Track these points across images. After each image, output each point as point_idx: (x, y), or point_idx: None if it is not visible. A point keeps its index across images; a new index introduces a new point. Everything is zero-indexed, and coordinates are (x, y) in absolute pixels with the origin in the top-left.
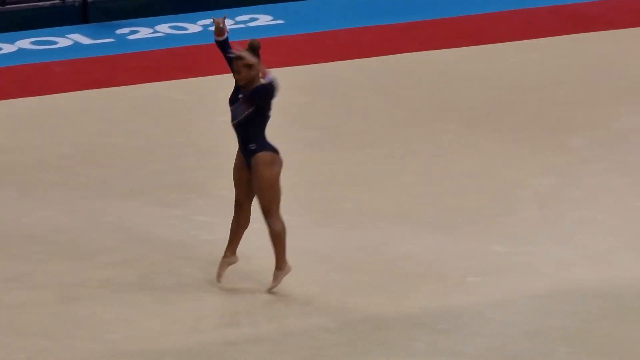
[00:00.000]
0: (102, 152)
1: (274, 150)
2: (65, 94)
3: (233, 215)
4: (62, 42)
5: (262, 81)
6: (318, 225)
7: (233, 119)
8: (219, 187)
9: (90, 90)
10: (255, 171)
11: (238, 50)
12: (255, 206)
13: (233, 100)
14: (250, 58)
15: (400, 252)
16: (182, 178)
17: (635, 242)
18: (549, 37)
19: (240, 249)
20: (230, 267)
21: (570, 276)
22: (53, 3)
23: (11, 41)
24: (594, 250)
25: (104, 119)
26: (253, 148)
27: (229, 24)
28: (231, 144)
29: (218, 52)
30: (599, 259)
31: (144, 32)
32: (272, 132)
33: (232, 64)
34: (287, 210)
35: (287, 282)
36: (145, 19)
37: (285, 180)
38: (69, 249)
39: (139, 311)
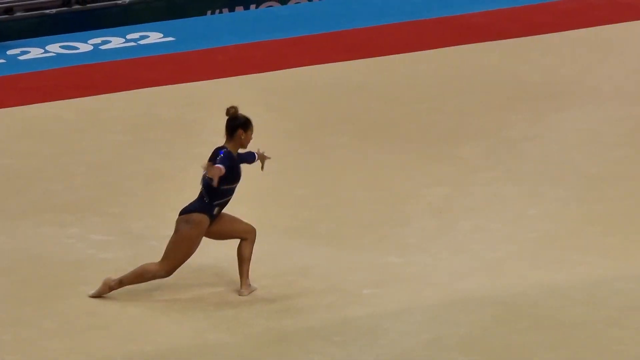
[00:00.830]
0: None
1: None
2: None
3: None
4: None
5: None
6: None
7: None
8: (113, 205)
9: None
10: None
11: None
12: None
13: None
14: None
15: (296, 265)
16: (76, 197)
17: (528, 249)
18: (438, 49)
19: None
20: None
21: (465, 285)
22: None
23: None
24: (488, 259)
25: None
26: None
27: (119, 42)
28: (123, 161)
29: (110, 71)
30: (494, 267)
31: (34, 52)
32: (166, 149)
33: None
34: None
35: (184, 297)
36: (36, 39)
37: (180, 197)
38: None
39: (38, 331)
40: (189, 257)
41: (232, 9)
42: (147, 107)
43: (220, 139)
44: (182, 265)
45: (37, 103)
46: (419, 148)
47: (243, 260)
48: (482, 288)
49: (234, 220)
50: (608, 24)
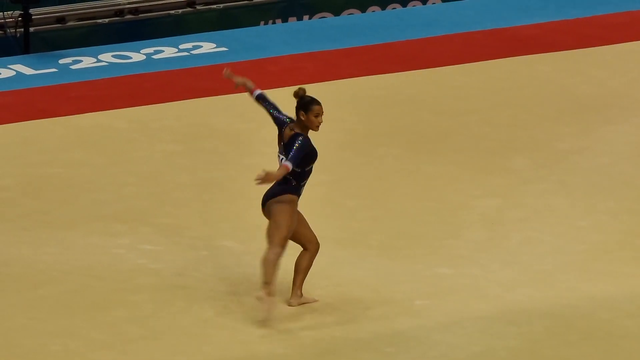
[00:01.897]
0: (43, 183)
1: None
2: (6, 125)
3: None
4: (5, 72)
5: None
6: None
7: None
8: (162, 215)
9: (31, 121)
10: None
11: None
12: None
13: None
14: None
15: (347, 277)
16: (126, 207)
17: (578, 261)
18: (489, 60)
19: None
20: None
21: (516, 297)
22: None
23: None
24: (539, 271)
25: (44, 150)
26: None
27: (172, 52)
28: (174, 171)
29: (162, 80)
30: (544, 279)
31: (87, 62)
32: (218, 159)
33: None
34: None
35: (235, 308)
36: (88, 48)
37: (234, 207)
38: (14, 281)
39: (86, 342)
40: (291, 231)
41: (284, 20)
42: (199, 117)
43: (273, 149)
44: (235, 277)
45: (89, 112)
46: (469, 160)
47: (299, 270)
48: (532, 300)
49: (306, 224)
50: None
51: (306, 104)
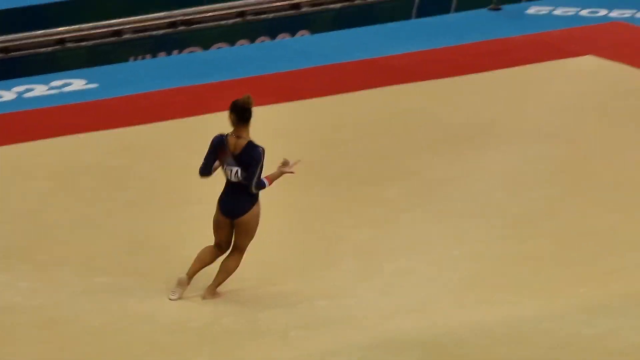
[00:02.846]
0: None
1: None
2: None
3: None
4: None
5: None
6: (140, 287)
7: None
8: (39, 252)
9: None
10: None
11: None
12: None
13: None
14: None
15: (223, 309)
16: (2, 244)
17: (453, 290)
18: (361, 91)
19: None
20: None
21: (391, 326)
22: None
23: None
24: (414, 300)
25: None
26: None
27: (43, 90)
28: (49, 208)
29: (33, 118)
30: (419, 308)
31: None
32: (91, 195)
33: None
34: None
35: (106, 342)
36: None
37: (109, 242)
38: None
39: None
40: None
41: (154, 55)
42: (72, 154)
43: (147, 184)
44: (110, 312)
45: None
46: (344, 190)
47: (226, 271)
48: (408, 329)
49: None
50: (527, 63)
51: (251, 108)
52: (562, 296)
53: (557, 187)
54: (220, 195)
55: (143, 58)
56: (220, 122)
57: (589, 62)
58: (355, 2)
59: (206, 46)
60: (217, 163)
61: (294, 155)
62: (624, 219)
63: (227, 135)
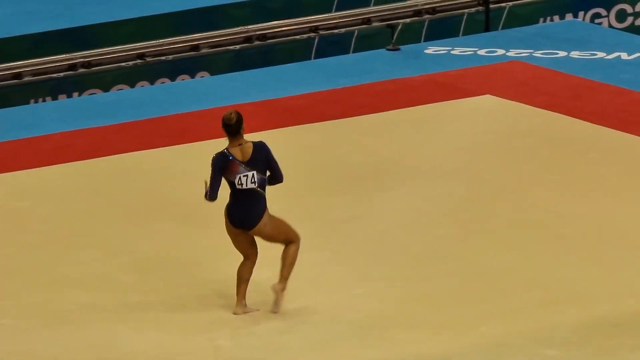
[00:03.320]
0: None
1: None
2: None
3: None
4: None
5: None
6: (47, 326)
7: None
8: None
9: None
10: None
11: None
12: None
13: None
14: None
15: (126, 348)
16: None
17: (355, 329)
18: (260, 131)
19: None
20: None
21: None
22: None
23: None
24: (316, 340)
25: None
26: None
27: None
28: None
29: None
30: (322, 347)
31: None
32: None
33: None
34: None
35: None
36: None
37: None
38: None
39: None
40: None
41: (55, 97)
42: None
43: (49, 227)
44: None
45: None
46: None
47: (244, 280)
48: None
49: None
50: (426, 103)
51: (242, 117)
52: (464, 334)
53: (458, 226)
54: (229, 209)
55: (44, 100)
56: (122, 163)
57: (487, 102)
58: (254, 43)
59: (106, 88)
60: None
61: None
62: (523, 257)
63: (226, 149)
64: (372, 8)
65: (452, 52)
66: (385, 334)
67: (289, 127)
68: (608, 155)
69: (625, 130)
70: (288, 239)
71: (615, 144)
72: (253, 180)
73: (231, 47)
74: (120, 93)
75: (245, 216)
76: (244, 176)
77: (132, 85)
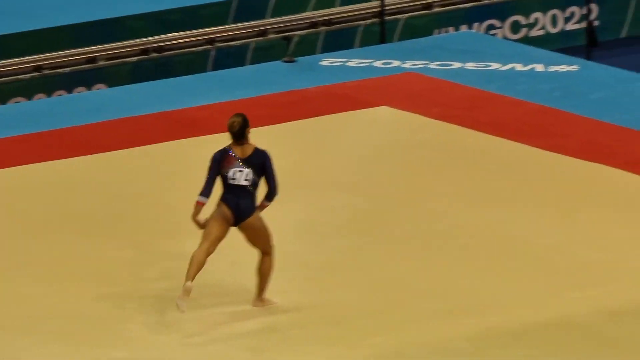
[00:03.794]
0: None
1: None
2: None
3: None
4: None
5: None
6: None
7: None
8: None
9: None
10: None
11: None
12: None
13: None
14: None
15: None
16: None
17: (251, 343)
18: (158, 143)
19: None
20: None
21: None
22: None
23: None
24: (213, 350)
25: None
26: None
27: None
28: None
29: None
30: (217, 358)
31: None
32: None
33: None
34: None
35: None
36: None
37: None
38: None
39: None
40: None
41: None
42: None
43: None
44: None
45: None
46: (141, 243)
47: (264, 274)
48: None
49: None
50: (323, 114)
51: (247, 122)
52: (360, 346)
53: (356, 237)
54: (224, 197)
55: None
56: (22, 176)
57: (383, 113)
58: (152, 55)
59: (3, 100)
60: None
61: (94, 208)
62: (420, 268)
63: (228, 146)
64: (268, 20)
65: (347, 63)
66: (279, 347)
67: (187, 139)
68: (504, 166)
69: (521, 141)
70: (267, 247)
71: (511, 154)
72: (247, 178)
73: (128, 59)
74: (18, 105)
75: (241, 206)
76: (239, 171)
77: (30, 98)
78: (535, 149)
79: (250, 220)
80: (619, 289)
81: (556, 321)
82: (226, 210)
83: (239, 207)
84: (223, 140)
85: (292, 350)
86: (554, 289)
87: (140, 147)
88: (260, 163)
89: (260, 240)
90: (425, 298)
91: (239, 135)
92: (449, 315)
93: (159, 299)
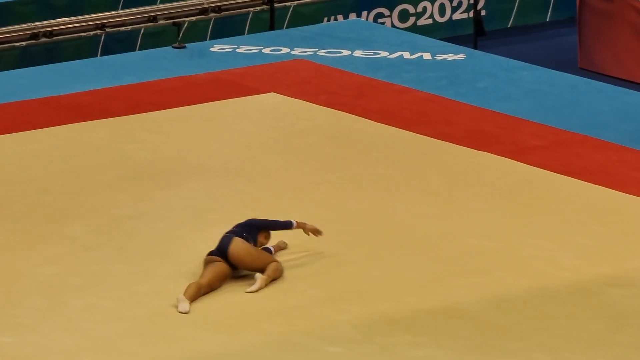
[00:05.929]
0: None
1: None
2: None
3: None
4: None
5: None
6: None
7: None
8: None
9: None
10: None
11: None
12: None
13: None
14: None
15: None
16: None
17: (139, 327)
18: (45, 128)
19: None
20: None
21: None
22: None
23: None
24: (100, 337)
25: None
26: None
27: None
28: None
29: None
30: (105, 345)
31: None
32: None
33: None
34: None
35: None
36: None
37: None
38: None
39: None
40: None
41: None
42: None
43: None
44: None
45: None
46: (27, 228)
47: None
48: None
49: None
50: (210, 101)
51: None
52: (246, 332)
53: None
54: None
55: None
56: None
57: (271, 100)
58: (41, 40)
59: None
60: None
61: None
62: (305, 255)
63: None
64: (158, 6)
65: (237, 50)
66: (167, 332)
67: (75, 124)
68: (391, 153)
69: (408, 129)
70: (269, 261)
71: (398, 142)
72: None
73: (17, 44)
74: None
75: (220, 242)
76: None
77: None
78: (422, 136)
79: (235, 243)
80: (505, 277)
81: (442, 309)
82: (207, 258)
83: (220, 243)
84: (109, 125)
85: (178, 335)
86: (440, 276)
87: (26, 131)
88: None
89: (258, 260)
90: (310, 285)
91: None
92: (335, 302)
93: (42, 284)
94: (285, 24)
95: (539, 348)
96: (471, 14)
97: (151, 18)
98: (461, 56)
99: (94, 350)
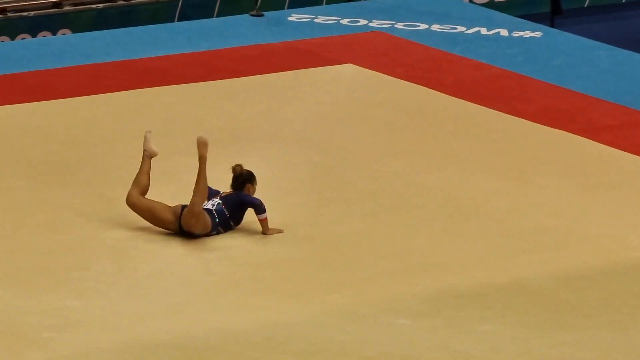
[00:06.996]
0: None
1: None
2: None
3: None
4: None
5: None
6: None
7: None
8: None
9: None
10: None
11: None
12: None
13: None
14: None
15: None
16: None
17: (207, 293)
18: (118, 92)
19: None
20: None
21: (145, 329)
22: None
23: None
24: (167, 303)
25: None
26: None
27: None
28: None
29: None
30: (173, 311)
31: None
32: None
33: None
34: None
35: None
36: None
37: None
38: None
39: None
40: None
41: None
42: None
43: None
44: None
45: None
46: (98, 191)
47: None
48: (161, 332)
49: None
50: (287, 70)
51: (252, 176)
52: (315, 302)
53: (313, 193)
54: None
55: None
56: None
57: (348, 71)
58: (118, 2)
59: None
60: None
61: (49, 154)
62: (377, 227)
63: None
64: None
65: (315, 20)
66: (236, 300)
67: (148, 89)
68: (464, 128)
69: (482, 104)
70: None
71: (472, 117)
72: (213, 204)
73: (94, 6)
74: None
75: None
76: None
77: None
78: (496, 112)
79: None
80: (573, 254)
81: (510, 284)
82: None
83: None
84: (183, 91)
85: (248, 303)
86: (509, 252)
87: (99, 94)
88: (236, 200)
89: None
90: (381, 256)
91: (237, 186)
92: (405, 274)
93: (112, 248)
94: None
95: (605, 326)
96: None
97: None
98: (538, 34)
99: (162, 316)
